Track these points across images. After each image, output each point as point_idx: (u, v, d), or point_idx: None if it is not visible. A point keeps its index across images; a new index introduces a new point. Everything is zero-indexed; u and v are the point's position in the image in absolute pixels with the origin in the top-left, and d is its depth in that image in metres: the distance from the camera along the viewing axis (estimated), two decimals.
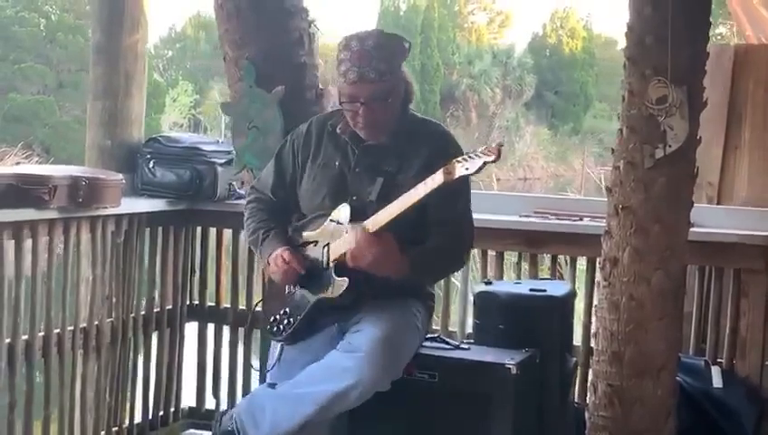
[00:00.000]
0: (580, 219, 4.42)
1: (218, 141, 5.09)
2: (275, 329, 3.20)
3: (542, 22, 40.53)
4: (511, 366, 3.09)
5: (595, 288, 3.87)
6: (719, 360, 4.32)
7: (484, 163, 2.80)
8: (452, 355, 3.21)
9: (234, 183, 4.85)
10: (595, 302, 3.81)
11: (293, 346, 3.19)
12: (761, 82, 4.34)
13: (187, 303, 5.20)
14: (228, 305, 5.21)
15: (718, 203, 4.43)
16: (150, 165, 4.80)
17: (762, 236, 4.22)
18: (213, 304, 5.27)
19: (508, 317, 3.40)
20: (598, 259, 4.01)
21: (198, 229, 5.16)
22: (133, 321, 4.81)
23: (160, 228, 4.92)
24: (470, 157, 2.82)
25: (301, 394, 3.07)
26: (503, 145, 2.87)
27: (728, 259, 4.23)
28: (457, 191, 3.07)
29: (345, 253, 3.00)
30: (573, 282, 4.45)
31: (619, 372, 3.77)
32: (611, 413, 3.77)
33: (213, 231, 5.22)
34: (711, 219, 4.30)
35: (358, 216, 3.04)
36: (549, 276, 4.48)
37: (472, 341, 3.50)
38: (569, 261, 4.58)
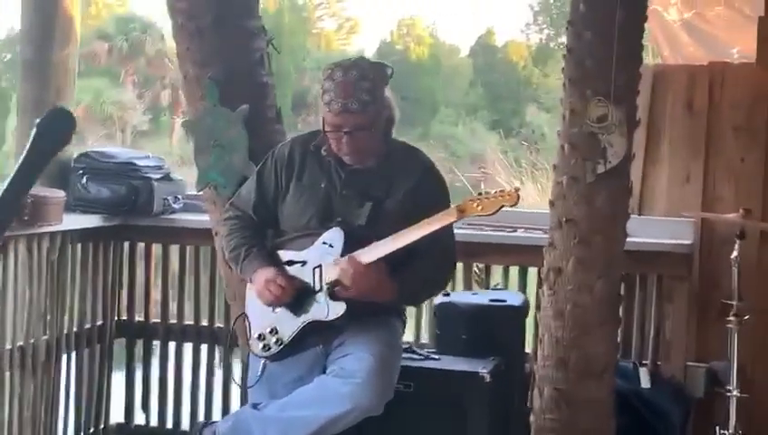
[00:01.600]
0: (515, 230, 4.62)
1: (149, 156, 5.10)
2: (263, 346, 3.25)
3: (389, 29, 41.04)
4: (484, 374, 3.24)
5: (540, 296, 4.05)
6: (644, 362, 4.58)
7: (501, 207, 2.95)
8: (425, 365, 3.34)
9: (169, 198, 4.87)
10: (540, 309, 4.00)
11: (278, 362, 3.25)
12: (678, 101, 4.63)
13: (116, 319, 5.19)
14: (158, 320, 5.23)
15: (639, 214, 4.70)
16: (83, 181, 4.78)
17: (685, 245, 4.51)
18: (142, 319, 5.27)
19: (470, 327, 3.55)
20: (540, 269, 4.21)
21: (126, 245, 5.17)
22: (66, 338, 4.78)
23: (91, 245, 4.89)
24: (486, 198, 2.96)
25: (291, 418, 3.12)
26: (519, 189, 3.02)
27: (653, 267, 4.50)
28: None
29: (338, 279, 3.07)
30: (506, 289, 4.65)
31: (565, 376, 3.97)
32: (558, 416, 3.96)
33: (141, 246, 5.23)
34: (634, 229, 4.55)
35: (351, 240, 3.12)
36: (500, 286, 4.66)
37: (434, 350, 3.64)
38: (502, 270, 4.77)
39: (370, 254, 3.04)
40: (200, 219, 4.87)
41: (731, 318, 3.94)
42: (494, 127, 32.64)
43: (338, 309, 3.10)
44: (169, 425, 5.25)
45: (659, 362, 4.58)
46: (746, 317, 3.95)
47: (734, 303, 3.95)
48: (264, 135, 3.88)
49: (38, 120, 1.96)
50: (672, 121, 4.64)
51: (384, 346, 3.14)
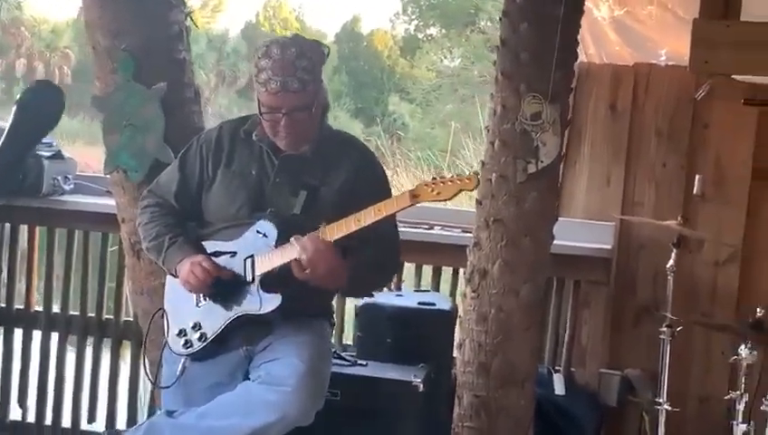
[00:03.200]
0: (431, 228, 4.44)
1: None
2: (184, 343, 2.95)
3: (255, 10, 40.49)
4: (418, 383, 3.03)
5: (461, 299, 3.88)
6: (557, 368, 4.46)
7: (460, 191, 2.73)
8: (353, 372, 3.10)
9: (59, 178, 4.50)
10: (460, 313, 3.83)
11: (199, 363, 2.96)
12: (602, 101, 4.51)
13: None
14: (40, 309, 4.85)
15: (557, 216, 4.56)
16: None
17: (605, 250, 4.40)
18: (21, 307, 4.88)
19: (397, 331, 3.33)
20: (462, 270, 4.04)
21: (8, 227, 4.77)
22: None
23: None
24: (442, 181, 2.73)
25: (212, 428, 2.85)
26: (478, 173, 2.79)
27: (570, 271, 4.37)
28: None
29: (283, 264, 2.79)
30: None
31: (486, 382, 3.81)
32: (477, 424, 3.80)
33: (24, 229, 4.84)
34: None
35: (285, 230, 2.86)
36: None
37: (353, 354, 3.40)
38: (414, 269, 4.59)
39: (330, 231, 2.79)
40: (92, 202, 4.56)
41: (664, 329, 3.82)
42: (356, 115, 32.57)
43: (271, 302, 2.85)
44: (48, 422, 4.86)
45: (573, 369, 4.46)
46: (679, 329, 3.84)
47: (668, 314, 3.83)
48: (180, 116, 3.57)
49: (20, 95, 1.66)
50: (594, 122, 4.52)
51: (315, 351, 2.90)
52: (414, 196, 2.74)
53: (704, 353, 4.39)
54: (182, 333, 2.94)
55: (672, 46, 4.34)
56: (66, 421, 4.87)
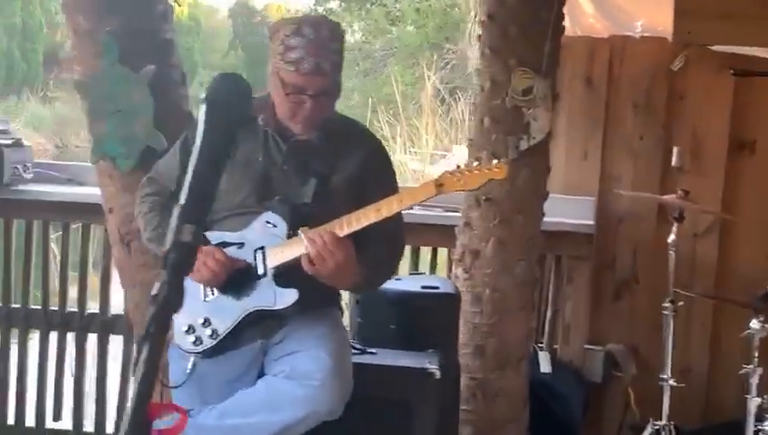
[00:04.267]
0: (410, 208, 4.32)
1: None
2: (194, 340, 2.79)
3: None
4: (434, 371, 2.93)
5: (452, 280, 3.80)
6: (540, 344, 4.41)
7: (489, 180, 2.60)
8: (364, 361, 2.98)
9: (18, 166, 4.28)
10: None
11: (210, 359, 2.80)
12: (578, 74, 4.45)
13: None
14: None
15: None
16: None
17: (588, 225, 4.36)
18: None
19: (400, 316, 3.22)
20: (451, 250, 3.97)
21: None
22: None
23: None
24: (469, 170, 2.60)
25: (236, 426, 2.69)
26: (508, 161, 2.65)
27: (552, 247, 4.32)
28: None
29: (296, 258, 2.64)
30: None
31: (483, 364, 3.75)
32: (474, 407, 3.74)
33: None
34: None
35: (296, 219, 2.71)
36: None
37: (353, 340, 3.29)
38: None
39: (342, 226, 2.64)
40: (52, 191, 4.35)
41: (667, 304, 3.79)
42: (253, 90, 32.09)
43: (288, 297, 2.68)
44: (11, 421, 4.65)
45: (556, 346, 4.42)
46: (680, 303, 3.82)
47: (671, 289, 3.79)
48: (169, 100, 3.37)
49: (206, 93, 1.49)
50: (570, 96, 4.47)
51: (337, 342, 2.77)
52: (439, 185, 2.61)
53: (702, 328, 4.40)
54: (191, 329, 2.76)
55: (649, 18, 4.30)
56: (30, 420, 4.67)
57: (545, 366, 4.28)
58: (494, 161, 2.69)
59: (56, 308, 4.59)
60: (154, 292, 1.33)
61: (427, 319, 3.26)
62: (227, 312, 2.75)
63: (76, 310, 4.56)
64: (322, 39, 2.73)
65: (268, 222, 2.74)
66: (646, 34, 4.39)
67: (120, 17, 3.30)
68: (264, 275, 2.72)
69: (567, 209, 4.38)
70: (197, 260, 2.72)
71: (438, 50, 18.48)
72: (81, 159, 5.53)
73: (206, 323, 2.76)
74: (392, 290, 3.25)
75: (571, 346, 4.40)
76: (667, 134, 4.42)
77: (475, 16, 9.39)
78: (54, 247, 4.70)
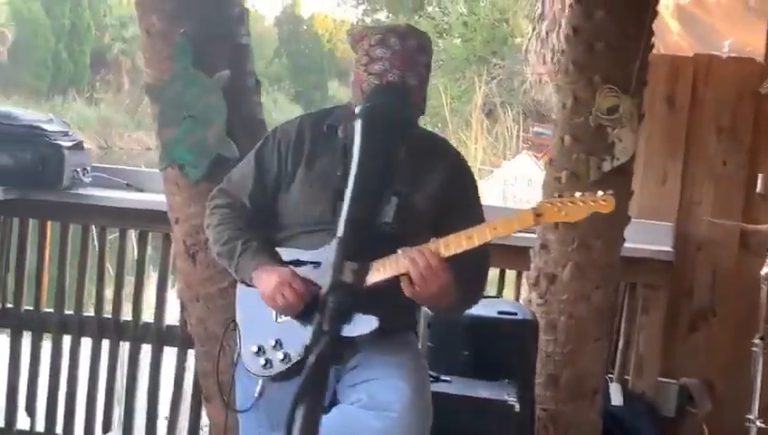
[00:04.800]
0: None
1: (52, 119, 4.35)
2: (264, 363, 2.65)
3: None
4: (513, 403, 2.75)
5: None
6: (609, 375, 4.21)
7: (593, 213, 2.43)
8: (439, 389, 2.81)
9: (78, 170, 4.16)
10: None
11: (278, 383, 2.65)
12: (659, 94, 4.25)
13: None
14: (52, 310, 4.50)
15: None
16: None
17: (666, 252, 4.16)
18: (31, 307, 4.53)
19: (475, 343, 3.05)
20: (527, 273, 3.79)
21: (16, 222, 4.42)
22: None
23: None
24: (572, 201, 2.42)
25: None
26: (613, 194, 2.47)
27: (628, 273, 4.11)
28: (482, 217, 2.68)
29: (386, 279, 2.47)
30: None
31: (555, 395, 3.57)
32: None
33: (34, 224, 4.49)
34: None
35: (378, 240, 2.53)
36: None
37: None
38: None
39: (445, 246, 2.48)
40: (111, 196, 4.24)
41: (756, 341, 3.58)
42: (296, 99, 32.15)
43: (366, 325, 2.50)
44: (59, 430, 4.53)
45: (628, 377, 4.22)
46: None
47: (762, 325, 3.58)
48: (242, 107, 3.23)
49: (366, 105, 1.34)
50: (650, 116, 4.25)
51: (418, 372, 2.60)
52: (537, 215, 2.44)
53: None
54: (261, 350, 2.60)
55: (738, 37, 4.10)
56: (79, 431, 4.55)
57: (616, 398, 4.08)
58: (600, 193, 2.49)
59: (110, 316, 4.48)
60: (307, 342, 1.16)
61: (504, 347, 3.09)
62: (300, 335, 2.56)
63: (131, 319, 4.45)
64: (409, 50, 2.58)
65: None
66: (733, 54, 4.20)
67: (196, 19, 3.16)
68: None
69: (640, 235, 4.18)
70: (270, 286, 2.57)
71: (485, 64, 18.33)
72: (125, 161, 5.45)
73: (278, 345, 2.60)
74: (467, 314, 3.08)
75: (643, 378, 4.19)
76: (751, 160, 4.21)
77: (533, 30, 9.22)
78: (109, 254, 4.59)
